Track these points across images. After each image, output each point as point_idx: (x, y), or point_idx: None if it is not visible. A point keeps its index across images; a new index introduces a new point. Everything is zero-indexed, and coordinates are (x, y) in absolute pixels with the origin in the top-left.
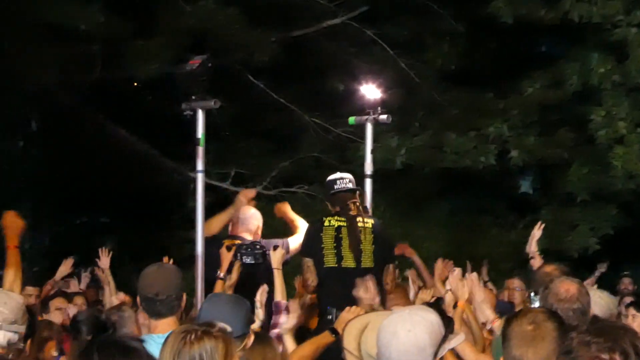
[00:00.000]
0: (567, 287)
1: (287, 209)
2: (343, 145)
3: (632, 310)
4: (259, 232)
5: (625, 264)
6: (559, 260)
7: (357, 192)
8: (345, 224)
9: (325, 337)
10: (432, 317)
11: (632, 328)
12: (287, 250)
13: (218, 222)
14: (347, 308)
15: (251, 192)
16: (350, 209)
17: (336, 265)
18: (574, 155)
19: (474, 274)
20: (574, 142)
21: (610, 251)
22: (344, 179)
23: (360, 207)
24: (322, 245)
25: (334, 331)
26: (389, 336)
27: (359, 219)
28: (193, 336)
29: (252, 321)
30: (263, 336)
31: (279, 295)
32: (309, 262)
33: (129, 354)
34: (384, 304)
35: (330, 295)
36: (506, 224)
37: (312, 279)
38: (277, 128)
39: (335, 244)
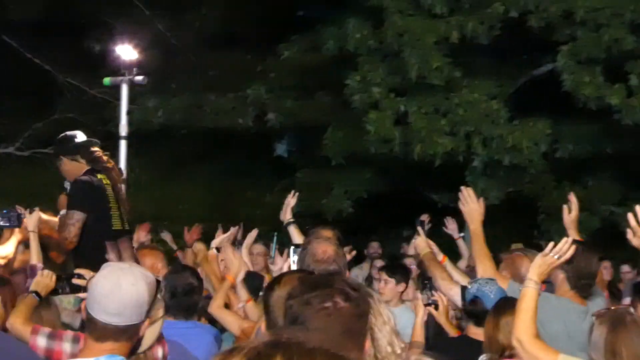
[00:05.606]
0: (324, 248)
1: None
2: (100, 106)
3: (384, 275)
4: None
5: (380, 228)
6: (315, 223)
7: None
8: (109, 182)
9: (30, 299)
10: (151, 276)
11: (336, 271)
12: None
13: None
14: (40, 272)
15: None
16: (104, 160)
17: (121, 228)
18: (330, 119)
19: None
20: (331, 106)
21: (365, 215)
22: (79, 134)
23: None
24: (110, 205)
25: (37, 294)
26: (111, 286)
27: (114, 173)
28: None
29: None
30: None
31: (35, 259)
32: (78, 215)
33: None
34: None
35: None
36: (264, 186)
37: (75, 233)
38: (33, 89)
39: (117, 205)
